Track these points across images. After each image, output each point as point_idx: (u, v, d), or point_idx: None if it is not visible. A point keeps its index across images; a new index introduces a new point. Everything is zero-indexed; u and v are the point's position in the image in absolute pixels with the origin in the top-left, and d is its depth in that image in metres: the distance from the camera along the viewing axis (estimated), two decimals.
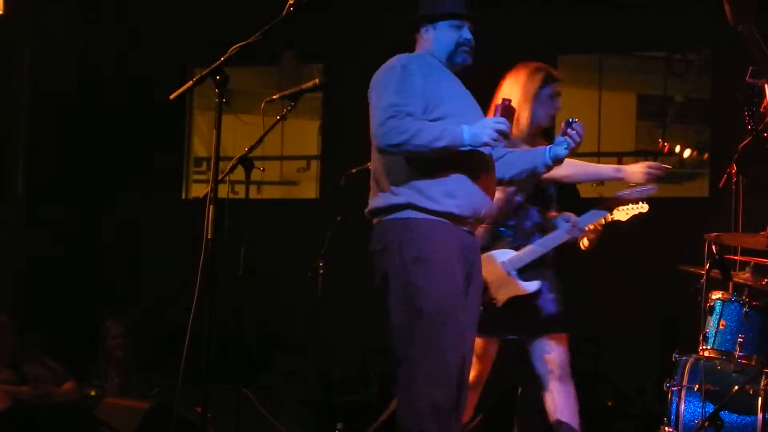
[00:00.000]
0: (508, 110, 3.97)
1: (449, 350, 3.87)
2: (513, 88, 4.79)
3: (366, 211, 4.10)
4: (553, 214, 4.94)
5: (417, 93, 3.94)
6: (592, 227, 4.97)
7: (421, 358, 3.85)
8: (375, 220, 4.07)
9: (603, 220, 4.98)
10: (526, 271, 4.78)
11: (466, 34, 4.09)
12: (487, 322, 4.44)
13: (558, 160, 4.11)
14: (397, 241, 3.93)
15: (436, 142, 3.86)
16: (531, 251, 4.81)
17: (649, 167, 4.74)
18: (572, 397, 4.78)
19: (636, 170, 4.77)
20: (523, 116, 4.75)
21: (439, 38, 4.10)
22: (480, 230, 4.41)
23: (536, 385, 4.83)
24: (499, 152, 4.19)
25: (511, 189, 4.80)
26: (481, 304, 4.17)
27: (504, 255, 4.80)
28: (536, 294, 4.77)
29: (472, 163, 4.00)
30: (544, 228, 4.90)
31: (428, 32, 4.11)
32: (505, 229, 4.85)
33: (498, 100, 4.11)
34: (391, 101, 3.90)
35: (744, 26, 3.28)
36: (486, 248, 4.67)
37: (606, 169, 4.99)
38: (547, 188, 4.92)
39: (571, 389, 4.78)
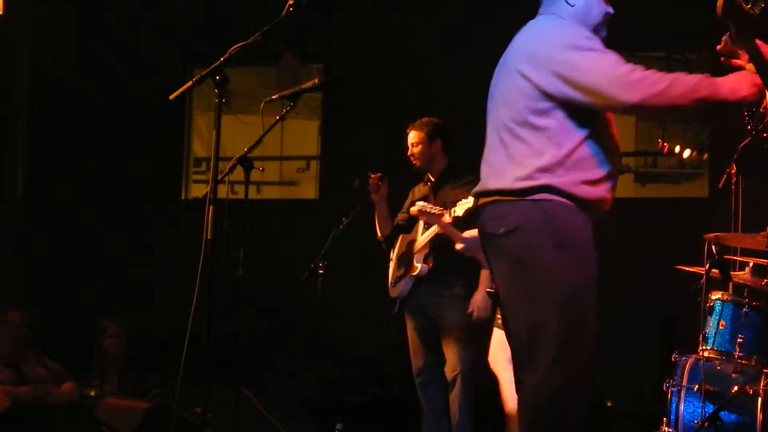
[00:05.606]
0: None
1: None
2: None
3: (482, 191, 3.66)
4: None
5: None
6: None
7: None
8: (491, 199, 3.59)
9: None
10: None
11: (611, 6, 3.67)
12: None
13: None
14: (535, 224, 3.48)
15: (694, 92, 3.38)
16: None
17: None
18: None
19: None
20: None
21: (590, 5, 3.65)
22: None
23: None
24: None
25: None
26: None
27: None
28: None
29: (606, 143, 3.56)
30: None
31: None
32: None
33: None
34: (616, 56, 3.50)
35: (747, 44, 3.30)
36: None
37: None
38: None
39: None
